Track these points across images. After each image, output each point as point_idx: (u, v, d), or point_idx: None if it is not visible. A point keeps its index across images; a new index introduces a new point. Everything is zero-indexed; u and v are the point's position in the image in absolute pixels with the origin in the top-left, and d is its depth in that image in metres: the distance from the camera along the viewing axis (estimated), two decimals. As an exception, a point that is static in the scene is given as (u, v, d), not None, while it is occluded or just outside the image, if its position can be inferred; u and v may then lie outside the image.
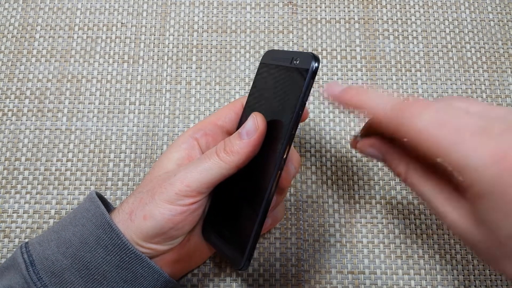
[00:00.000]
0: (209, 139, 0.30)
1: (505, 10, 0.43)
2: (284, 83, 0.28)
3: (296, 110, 0.26)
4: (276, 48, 0.41)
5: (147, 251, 0.27)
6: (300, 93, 0.26)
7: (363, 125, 0.28)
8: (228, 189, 0.30)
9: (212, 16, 0.42)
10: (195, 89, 0.40)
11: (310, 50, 0.41)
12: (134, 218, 0.26)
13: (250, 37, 0.42)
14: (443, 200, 0.22)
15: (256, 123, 0.27)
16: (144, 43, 0.41)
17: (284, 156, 0.26)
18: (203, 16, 0.42)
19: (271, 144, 0.27)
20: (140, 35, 0.42)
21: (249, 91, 0.31)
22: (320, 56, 0.41)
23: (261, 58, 0.31)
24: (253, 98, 0.31)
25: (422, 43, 0.41)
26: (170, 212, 0.26)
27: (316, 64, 0.26)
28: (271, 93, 0.29)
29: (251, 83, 0.35)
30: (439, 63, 0.41)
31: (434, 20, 0.42)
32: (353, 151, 0.38)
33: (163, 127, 0.39)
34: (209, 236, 0.30)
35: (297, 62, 0.27)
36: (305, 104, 0.26)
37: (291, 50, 0.35)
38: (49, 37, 0.41)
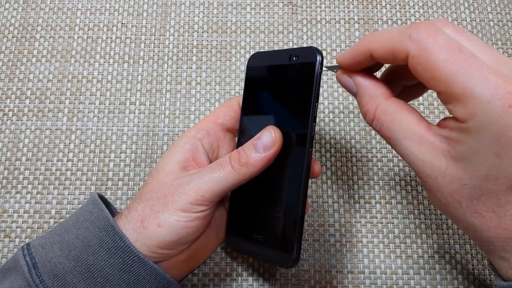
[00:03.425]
0: (211, 139, 0.31)
1: (504, 10, 0.43)
2: (287, 80, 0.28)
3: (313, 100, 0.26)
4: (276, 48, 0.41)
5: (159, 256, 0.27)
6: (312, 85, 0.26)
7: (346, 54, 0.25)
8: (249, 196, 0.30)
9: (212, 17, 0.42)
10: (195, 89, 0.40)
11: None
12: (147, 225, 0.27)
13: (250, 37, 0.42)
14: (414, 139, 0.22)
15: (273, 138, 0.27)
16: (145, 43, 0.41)
17: (311, 149, 0.27)
18: (203, 17, 0.42)
19: (289, 141, 0.27)
20: (141, 35, 0.42)
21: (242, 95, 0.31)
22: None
23: (247, 62, 0.31)
24: (251, 102, 0.30)
25: (422, 43, 0.41)
26: (185, 219, 0.26)
27: (321, 56, 0.26)
28: (272, 92, 0.29)
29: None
30: (438, 63, 0.41)
31: (434, 20, 0.42)
32: (353, 151, 0.38)
33: (164, 127, 0.39)
34: (237, 246, 0.31)
35: (297, 58, 0.27)
36: (319, 93, 0.26)
37: (279, 49, 0.35)
38: (49, 37, 0.42)
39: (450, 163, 0.21)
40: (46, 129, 0.39)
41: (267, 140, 0.27)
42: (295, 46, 0.41)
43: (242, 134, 0.31)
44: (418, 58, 0.21)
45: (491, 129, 0.19)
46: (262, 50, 0.41)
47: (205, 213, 0.27)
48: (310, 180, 0.37)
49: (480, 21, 0.42)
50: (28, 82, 0.40)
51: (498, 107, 0.18)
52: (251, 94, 0.30)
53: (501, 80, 0.19)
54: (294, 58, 0.27)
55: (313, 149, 0.27)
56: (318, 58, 0.26)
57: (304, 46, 0.36)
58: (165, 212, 0.26)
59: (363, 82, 0.25)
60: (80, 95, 0.40)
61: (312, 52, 0.26)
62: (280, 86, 0.29)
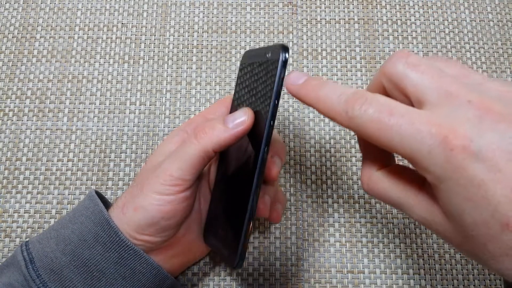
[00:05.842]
0: None
1: (504, 10, 0.43)
2: (260, 78, 0.28)
3: (273, 98, 0.25)
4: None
5: (141, 243, 0.27)
6: (273, 83, 0.25)
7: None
8: (219, 193, 0.30)
9: (212, 17, 0.43)
10: (195, 89, 0.40)
11: (310, 50, 0.41)
12: (126, 211, 0.27)
13: (250, 37, 0.42)
14: (414, 203, 0.20)
15: (246, 115, 0.27)
16: (145, 43, 0.42)
17: (266, 149, 0.26)
18: (203, 17, 0.43)
19: (254, 140, 0.27)
20: (141, 35, 0.42)
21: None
22: (290, 49, 0.41)
23: (240, 59, 0.31)
24: (237, 97, 0.31)
25: (422, 43, 0.42)
26: (159, 202, 0.27)
27: (285, 53, 0.25)
28: (251, 89, 0.29)
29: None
30: (438, 63, 0.41)
31: (434, 20, 0.42)
32: (353, 151, 0.38)
33: (164, 127, 0.39)
34: (208, 239, 0.31)
35: (269, 55, 0.27)
36: (280, 93, 0.25)
37: (264, 46, 0.35)
38: (49, 37, 0.42)
39: (447, 219, 0.19)
40: (46, 129, 0.39)
41: (238, 116, 0.27)
42: (296, 47, 0.41)
43: None
44: (357, 133, 0.21)
45: (447, 177, 0.17)
46: (254, 48, 0.41)
47: (180, 196, 0.27)
48: (310, 180, 0.37)
49: (480, 21, 0.42)
50: (28, 82, 0.40)
51: (440, 155, 0.17)
52: (238, 91, 0.31)
53: (435, 127, 0.18)
54: (268, 55, 0.27)
55: (268, 149, 0.26)
56: (281, 56, 0.25)
57: (276, 43, 0.36)
58: (140, 196, 0.27)
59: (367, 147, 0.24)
60: (80, 95, 0.40)
61: (278, 50, 0.26)
62: (256, 83, 0.28)
